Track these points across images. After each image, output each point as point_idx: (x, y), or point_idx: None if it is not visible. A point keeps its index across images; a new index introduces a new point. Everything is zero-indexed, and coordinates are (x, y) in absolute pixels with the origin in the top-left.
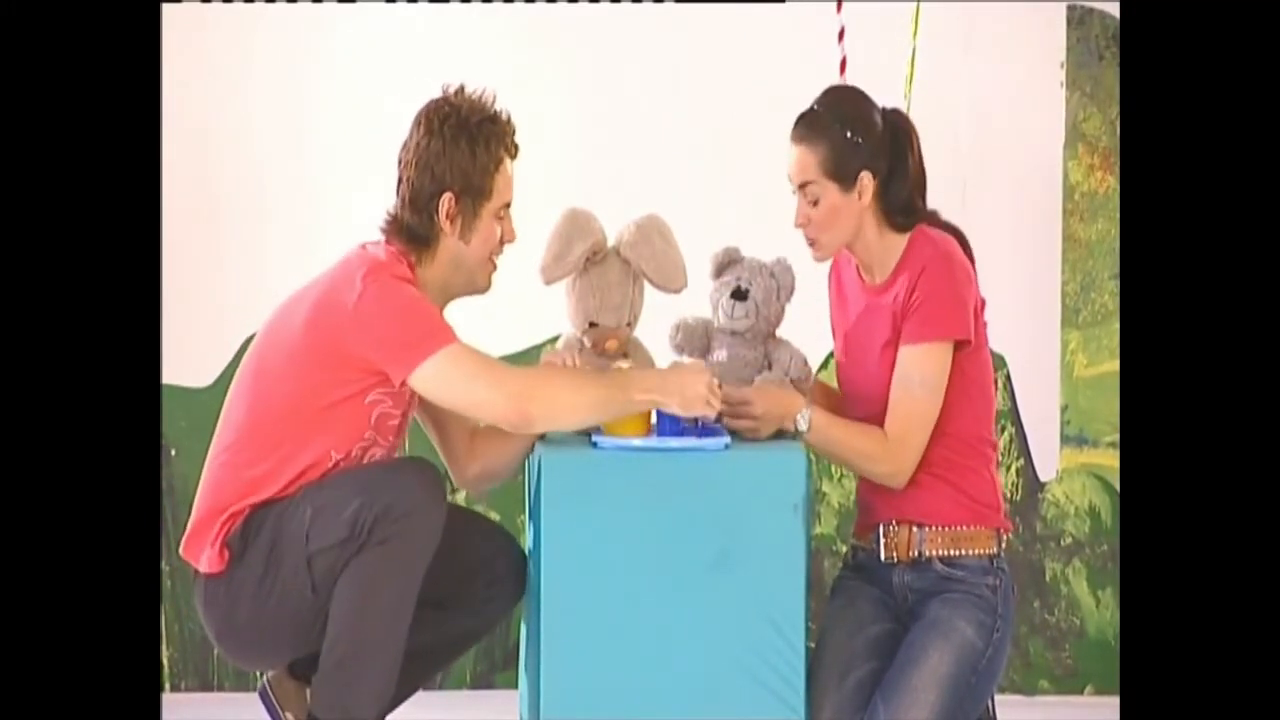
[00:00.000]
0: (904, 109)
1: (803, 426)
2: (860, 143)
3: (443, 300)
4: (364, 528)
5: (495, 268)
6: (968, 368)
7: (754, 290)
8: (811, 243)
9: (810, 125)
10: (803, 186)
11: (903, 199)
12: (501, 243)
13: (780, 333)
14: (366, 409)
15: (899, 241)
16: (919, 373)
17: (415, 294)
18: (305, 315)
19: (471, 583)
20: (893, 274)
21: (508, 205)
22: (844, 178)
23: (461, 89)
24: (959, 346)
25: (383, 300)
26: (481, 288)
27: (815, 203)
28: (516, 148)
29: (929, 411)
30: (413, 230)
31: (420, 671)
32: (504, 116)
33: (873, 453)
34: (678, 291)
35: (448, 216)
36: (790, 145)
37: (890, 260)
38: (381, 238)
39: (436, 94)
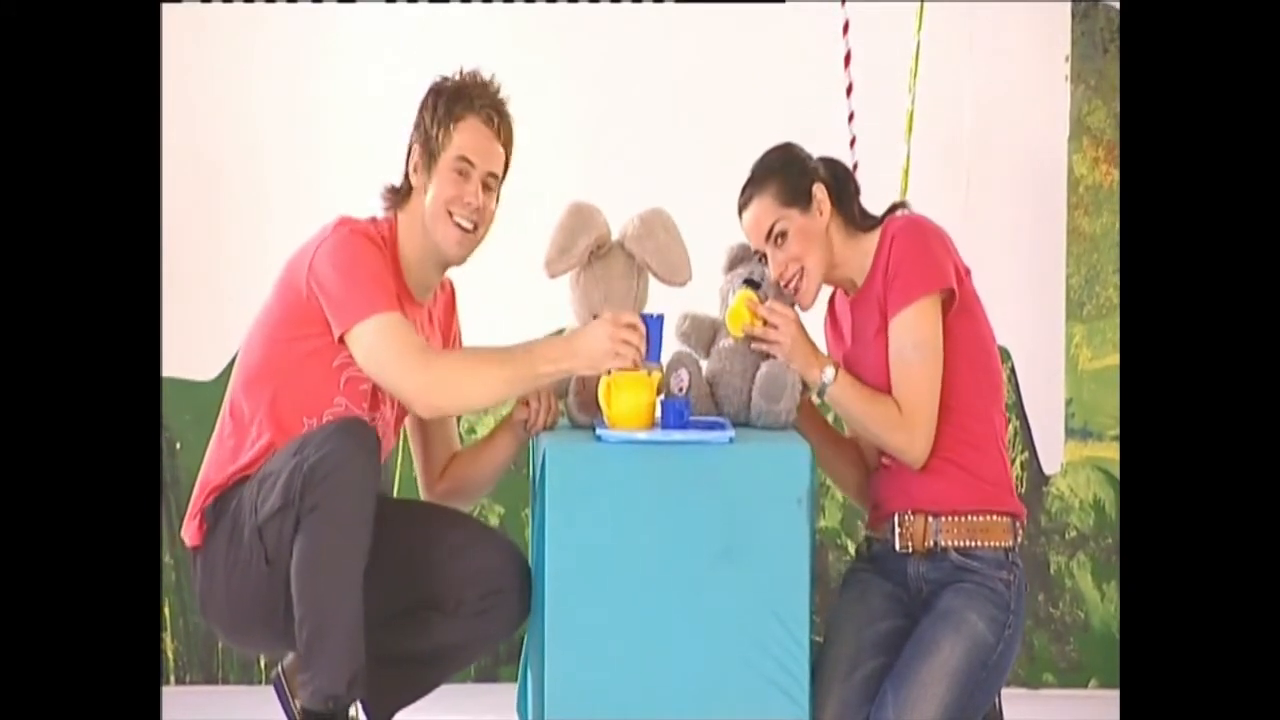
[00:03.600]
0: (908, 103)
1: (828, 378)
2: (801, 166)
3: (421, 269)
4: (296, 493)
5: (458, 232)
6: (962, 332)
7: (766, 286)
8: (796, 289)
9: (753, 178)
10: (769, 234)
11: (856, 206)
12: (463, 201)
13: None
14: (334, 372)
15: (871, 240)
16: (910, 338)
17: (374, 252)
18: (277, 278)
19: (469, 588)
20: (871, 268)
21: (469, 162)
22: (799, 199)
23: (460, 69)
24: (947, 306)
25: (340, 247)
26: (447, 251)
27: (784, 238)
28: (494, 111)
29: (929, 377)
30: (396, 186)
31: (416, 677)
32: (482, 81)
33: (891, 419)
34: (682, 285)
35: (414, 168)
36: (741, 213)
37: (868, 261)
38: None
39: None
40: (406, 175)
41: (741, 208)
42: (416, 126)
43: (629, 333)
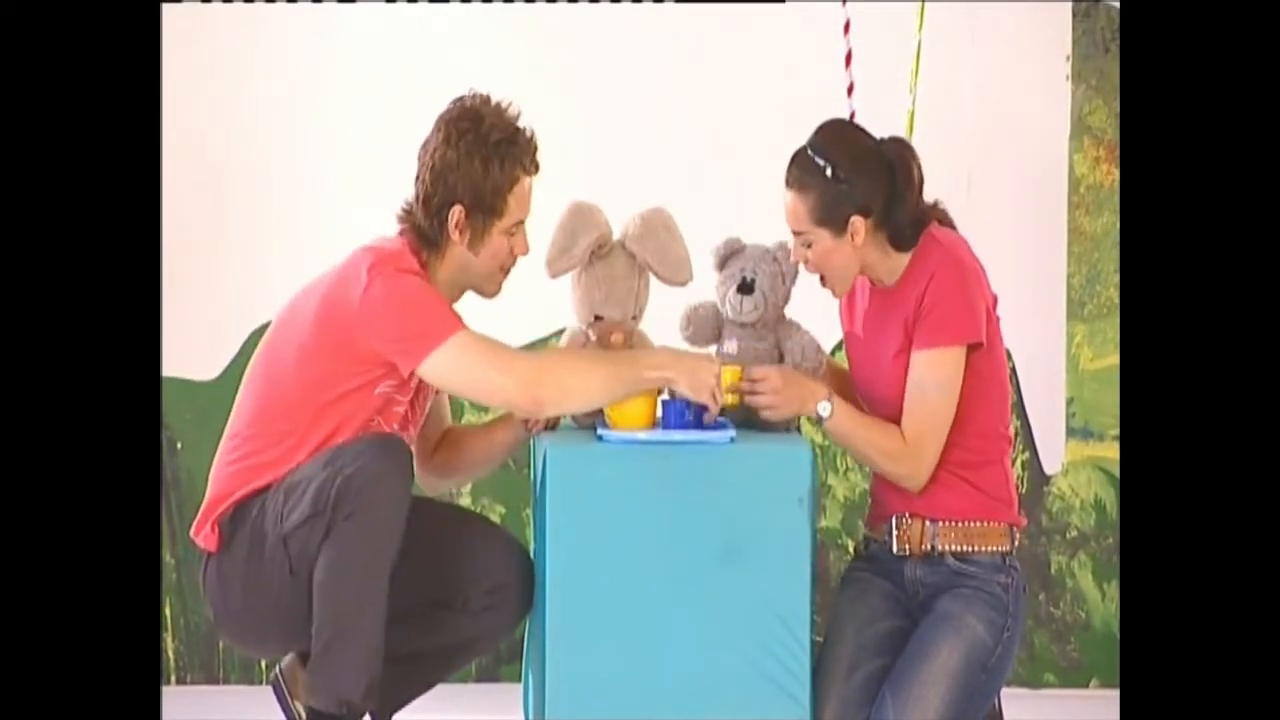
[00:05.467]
0: (909, 102)
1: (824, 413)
2: (849, 187)
3: (450, 294)
4: (327, 503)
5: (505, 276)
6: (981, 367)
7: (760, 280)
8: (820, 280)
9: (800, 170)
10: (796, 234)
11: (904, 226)
12: (513, 255)
13: (789, 313)
14: (375, 399)
15: (905, 254)
16: (933, 377)
17: (420, 284)
18: (314, 311)
19: (474, 585)
20: (902, 279)
21: (521, 223)
22: (834, 223)
23: (487, 99)
24: (972, 348)
25: (388, 292)
26: (489, 295)
27: (809, 245)
28: (537, 166)
29: (944, 415)
30: (423, 231)
31: (421, 674)
32: (526, 134)
33: (892, 451)
34: (683, 284)
35: (457, 227)
36: (784, 189)
37: (899, 268)
38: (397, 226)
39: (462, 94)
40: (440, 225)
41: (785, 184)
42: (451, 169)
43: (720, 390)
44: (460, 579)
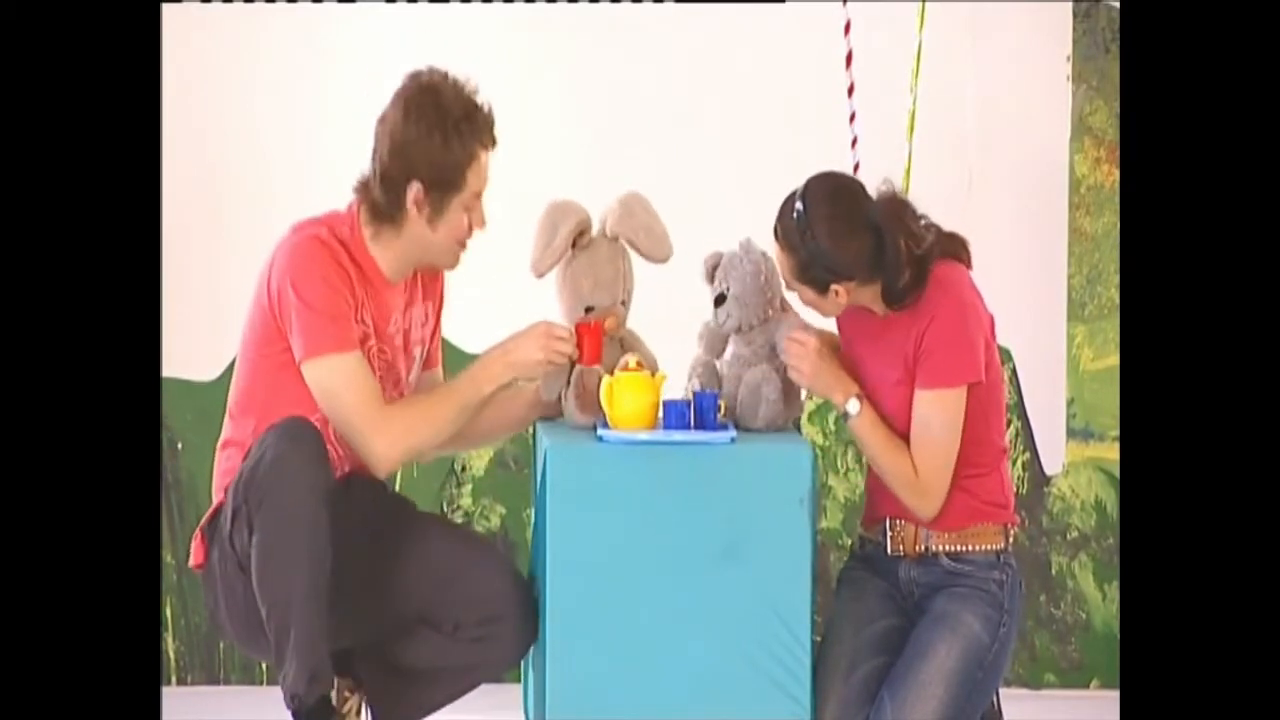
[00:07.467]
0: (909, 102)
1: (852, 410)
2: (831, 257)
3: (401, 267)
4: (242, 496)
5: (464, 248)
6: (979, 392)
7: (731, 287)
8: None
9: (785, 232)
10: (784, 277)
11: (892, 287)
12: (470, 229)
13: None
14: None
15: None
16: (937, 417)
17: (326, 269)
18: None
19: (466, 612)
20: (904, 316)
21: (478, 195)
22: (816, 284)
23: (445, 75)
24: (972, 385)
25: (293, 266)
26: (447, 268)
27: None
28: (494, 140)
29: (950, 450)
30: (380, 207)
31: (417, 693)
32: (484, 109)
33: (907, 481)
34: (665, 260)
35: (415, 203)
36: (772, 237)
37: None
38: (353, 196)
39: (419, 69)
40: (398, 200)
41: (773, 233)
42: (411, 145)
43: (560, 343)
44: (452, 602)
